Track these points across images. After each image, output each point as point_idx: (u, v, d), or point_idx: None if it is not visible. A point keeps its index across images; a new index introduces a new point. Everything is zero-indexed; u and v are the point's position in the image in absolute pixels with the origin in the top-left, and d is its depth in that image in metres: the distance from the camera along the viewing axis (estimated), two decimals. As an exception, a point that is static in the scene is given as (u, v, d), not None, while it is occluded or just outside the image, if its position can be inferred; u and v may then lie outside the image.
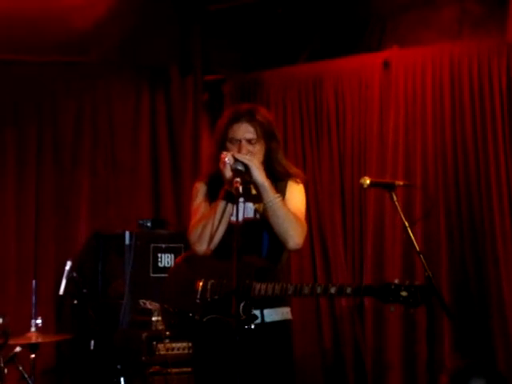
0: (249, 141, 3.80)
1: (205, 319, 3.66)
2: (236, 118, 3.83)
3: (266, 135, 3.84)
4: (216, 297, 3.67)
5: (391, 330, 5.98)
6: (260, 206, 3.77)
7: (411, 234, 3.87)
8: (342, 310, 6.22)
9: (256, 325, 3.61)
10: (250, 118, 3.81)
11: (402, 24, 6.33)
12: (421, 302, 3.42)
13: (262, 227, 3.76)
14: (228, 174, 3.68)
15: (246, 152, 3.77)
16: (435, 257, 5.81)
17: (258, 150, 3.82)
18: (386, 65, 6.17)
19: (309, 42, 6.75)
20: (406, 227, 3.89)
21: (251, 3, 6.62)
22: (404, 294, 3.43)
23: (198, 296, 3.70)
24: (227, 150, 3.79)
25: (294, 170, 3.94)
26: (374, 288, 3.53)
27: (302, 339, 6.05)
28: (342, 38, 6.55)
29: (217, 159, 3.78)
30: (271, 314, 3.74)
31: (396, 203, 3.94)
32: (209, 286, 3.70)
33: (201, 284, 3.71)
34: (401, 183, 4.21)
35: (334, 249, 6.31)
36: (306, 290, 3.55)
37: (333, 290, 3.52)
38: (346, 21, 6.56)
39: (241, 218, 3.57)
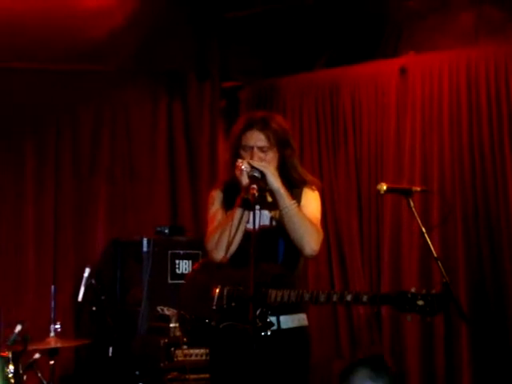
0: (261, 148, 3.82)
1: (221, 326, 3.67)
2: (249, 126, 3.84)
3: (280, 143, 3.84)
4: (233, 304, 3.68)
5: (409, 337, 5.96)
6: (276, 214, 3.78)
7: (428, 240, 3.86)
8: (360, 317, 6.21)
9: (272, 331, 3.62)
10: (263, 125, 3.82)
11: (418, 30, 6.31)
12: (438, 311, 3.41)
13: (278, 234, 3.77)
14: (245, 181, 3.69)
15: (258, 159, 3.79)
16: (452, 262, 5.78)
17: (271, 157, 3.83)
18: (403, 71, 6.15)
19: (326, 49, 6.75)
20: (423, 233, 3.88)
21: (269, 10, 6.63)
22: (421, 303, 3.42)
23: (215, 303, 3.71)
24: (241, 157, 3.80)
25: (309, 177, 3.95)
26: (391, 296, 3.54)
27: (319, 345, 6.04)
28: (358, 45, 6.55)
29: (232, 166, 3.81)
30: (287, 321, 3.74)
31: (413, 209, 3.94)
32: (225, 293, 3.71)
33: (217, 291, 3.72)
34: (418, 189, 4.19)
35: (350, 255, 6.30)
36: (322, 298, 3.55)
37: (349, 298, 3.52)
38: (362, 27, 6.55)
39: (257, 225, 3.57)
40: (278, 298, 3.60)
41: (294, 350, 3.76)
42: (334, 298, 3.56)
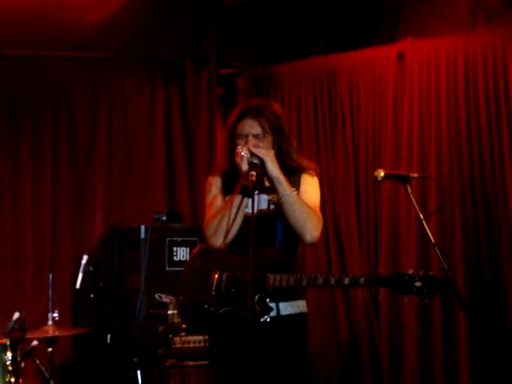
0: (255, 136, 3.82)
1: (220, 311, 3.68)
2: (243, 114, 3.86)
3: (274, 130, 3.85)
4: (232, 289, 3.68)
5: (407, 321, 5.97)
6: (274, 197, 3.78)
7: (426, 226, 3.86)
8: (358, 302, 6.22)
9: (271, 318, 3.63)
10: (256, 113, 3.83)
11: (415, 16, 6.31)
12: (435, 293, 3.41)
13: (276, 218, 3.77)
14: (244, 167, 3.70)
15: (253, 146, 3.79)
16: (450, 249, 5.79)
17: (265, 144, 3.83)
18: (400, 57, 6.15)
19: (323, 35, 6.74)
20: (420, 219, 3.88)
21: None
22: (418, 284, 3.42)
23: (214, 288, 3.71)
24: (237, 145, 3.81)
25: (306, 163, 3.95)
26: (388, 278, 3.55)
27: (317, 331, 6.05)
28: (355, 31, 6.54)
29: (229, 155, 3.83)
30: (287, 307, 3.74)
31: (411, 195, 3.94)
32: (224, 278, 3.71)
33: (216, 276, 3.72)
34: (415, 175, 4.20)
35: (348, 241, 6.31)
36: (320, 281, 3.56)
37: (346, 281, 3.52)
38: (359, 13, 6.54)
39: (255, 210, 3.56)
40: (277, 283, 3.60)
41: (292, 336, 3.76)
42: (332, 282, 3.56)
